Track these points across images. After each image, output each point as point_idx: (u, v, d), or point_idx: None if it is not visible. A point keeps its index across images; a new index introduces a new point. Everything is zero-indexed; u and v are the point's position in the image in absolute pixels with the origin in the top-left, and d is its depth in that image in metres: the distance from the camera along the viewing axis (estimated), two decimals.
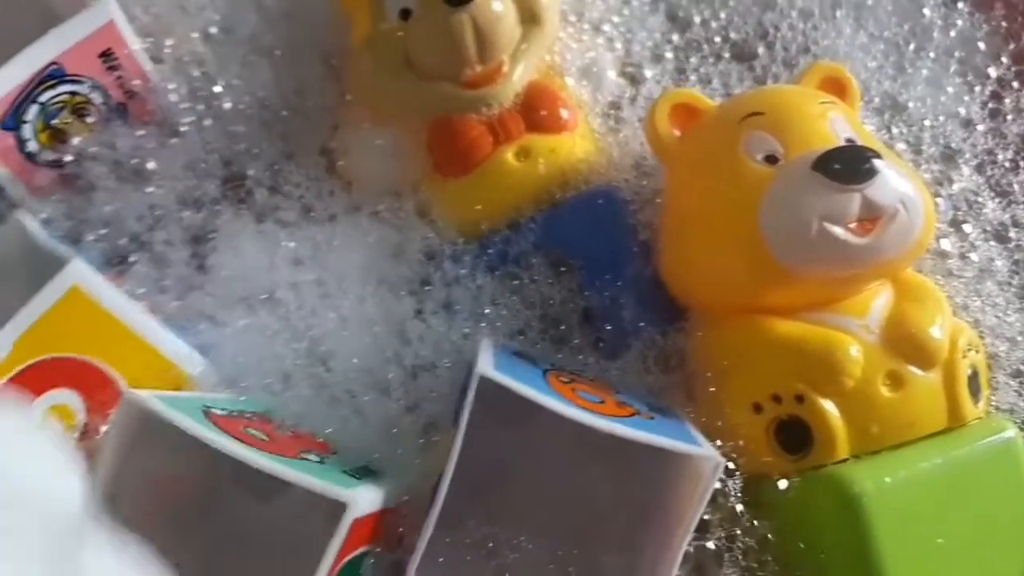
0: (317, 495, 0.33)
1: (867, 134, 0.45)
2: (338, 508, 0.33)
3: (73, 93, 0.46)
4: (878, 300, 0.42)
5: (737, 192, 0.42)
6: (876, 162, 0.40)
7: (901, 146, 0.51)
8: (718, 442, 0.40)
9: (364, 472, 0.39)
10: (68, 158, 0.46)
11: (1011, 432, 0.41)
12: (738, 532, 0.40)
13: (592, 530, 0.41)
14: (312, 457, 0.37)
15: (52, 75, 0.45)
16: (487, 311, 0.45)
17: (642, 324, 0.45)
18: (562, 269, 0.46)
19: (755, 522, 0.40)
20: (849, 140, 0.43)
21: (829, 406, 0.40)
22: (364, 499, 0.35)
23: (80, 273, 0.40)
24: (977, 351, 0.43)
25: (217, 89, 0.48)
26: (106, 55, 0.46)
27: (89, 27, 0.45)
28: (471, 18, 0.45)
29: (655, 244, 0.46)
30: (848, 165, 0.40)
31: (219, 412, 0.37)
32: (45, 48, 0.44)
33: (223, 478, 0.36)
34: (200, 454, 0.33)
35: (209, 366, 0.43)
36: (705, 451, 0.37)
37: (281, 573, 0.36)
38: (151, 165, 0.47)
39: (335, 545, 0.33)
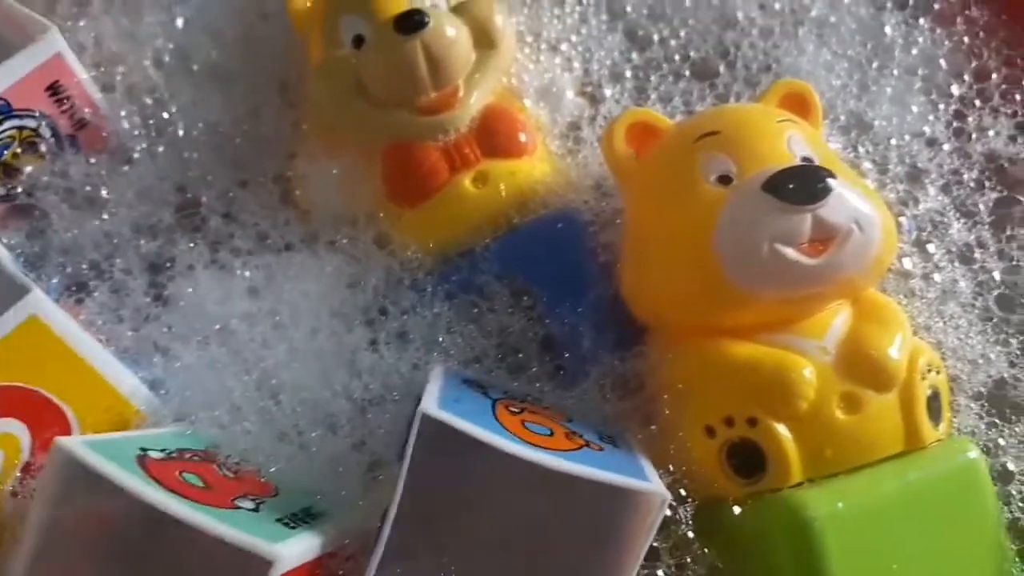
0: (244, 551, 0.33)
1: (828, 152, 0.44)
2: (264, 565, 0.33)
3: (20, 128, 0.46)
4: (836, 320, 0.41)
5: (692, 213, 0.41)
6: (830, 181, 0.39)
7: (867, 165, 0.50)
8: (670, 467, 0.40)
9: (304, 516, 0.38)
10: (19, 189, 0.46)
11: (973, 453, 0.40)
12: (688, 560, 0.40)
13: (542, 561, 0.40)
14: (247, 504, 0.37)
15: None
16: (442, 340, 0.44)
17: (601, 350, 0.45)
18: (523, 298, 0.45)
19: (706, 550, 0.40)
20: (806, 159, 0.42)
21: (782, 429, 0.39)
22: (294, 552, 0.34)
23: (39, 304, 0.40)
24: (938, 372, 0.42)
25: (169, 115, 0.48)
26: (53, 88, 0.46)
27: (35, 61, 0.44)
28: (423, 44, 0.45)
29: (615, 265, 0.46)
30: (800, 185, 0.39)
31: (156, 456, 0.37)
32: None
33: (164, 521, 0.35)
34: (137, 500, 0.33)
35: (161, 400, 0.43)
36: (653, 486, 0.36)
37: None
38: (104, 193, 0.46)
39: None
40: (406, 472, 0.35)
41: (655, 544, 0.39)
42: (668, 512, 0.39)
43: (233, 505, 0.36)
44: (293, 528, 0.36)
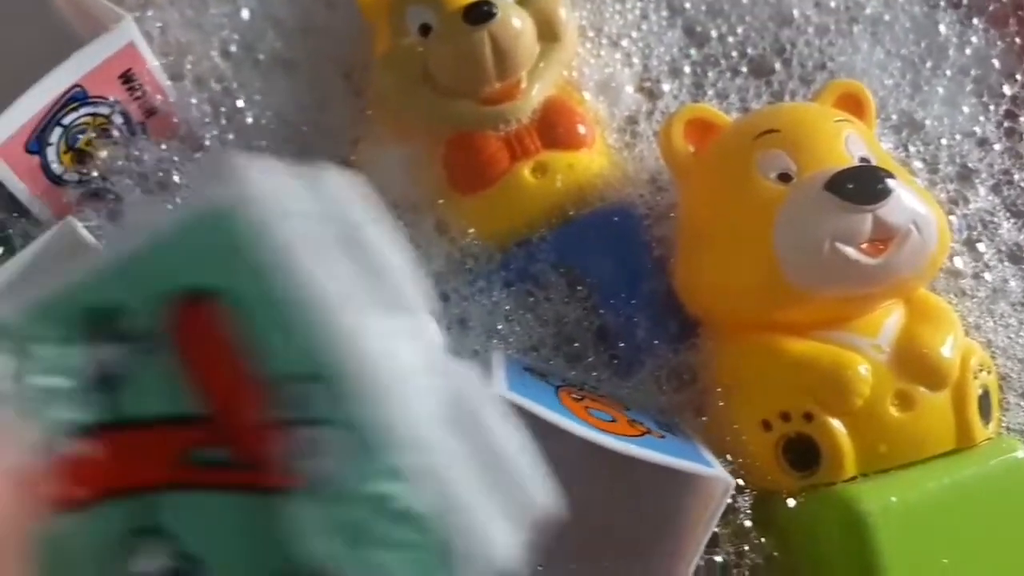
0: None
1: (883, 152, 0.45)
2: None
3: (95, 114, 0.47)
4: (890, 319, 0.42)
5: (750, 210, 0.42)
6: (889, 182, 0.40)
7: (918, 164, 0.51)
8: (728, 458, 0.41)
9: None
10: (94, 174, 0.47)
11: (1021, 453, 0.41)
12: (746, 548, 0.41)
13: (605, 546, 0.41)
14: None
15: (74, 98, 0.46)
16: (500, 327, 0.45)
17: (655, 342, 0.45)
18: (578, 288, 0.46)
19: (762, 540, 0.41)
20: (863, 159, 0.43)
21: (837, 425, 0.40)
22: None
23: None
24: (988, 372, 0.43)
25: (239, 104, 0.49)
26: (126, 76, 0.47)
27: (109, 49, 0.45)
28: (490, 35, 0.45)
29: (669, 259, 0.46)
30: (861, 185, 0.40)
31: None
32: (67, 72, 0.45)
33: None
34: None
35: None
36: (717, 472, 0.37)
37: None
38: (176, 178, 0.47)
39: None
40: None
41: (716, 530, 0.40)
42: (728, 500, 0.40)
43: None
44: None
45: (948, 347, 0.41)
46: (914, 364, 0.41)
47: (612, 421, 0.39)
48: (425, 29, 0.47)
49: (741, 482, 0.41)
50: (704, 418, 0.44)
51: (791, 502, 0.41)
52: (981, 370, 0.42)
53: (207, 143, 0.48)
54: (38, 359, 0.17)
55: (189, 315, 0.18)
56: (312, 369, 0.18)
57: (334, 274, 0.19)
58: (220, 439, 0.17)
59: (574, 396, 0.40)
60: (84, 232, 0.43)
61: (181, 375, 0.17)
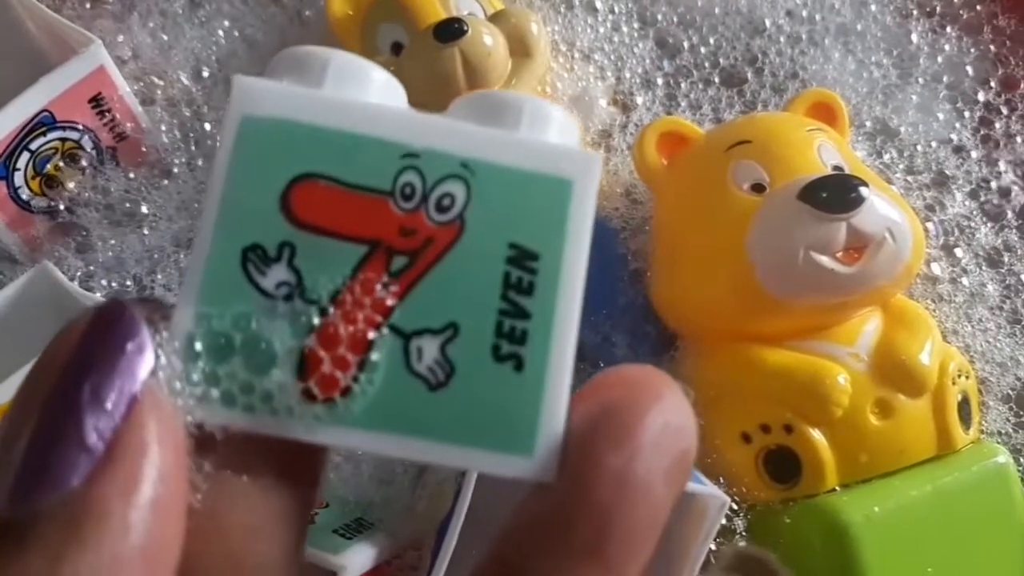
0: (311, 563, 0.33)
1: (857, 161, 0.45)
2: None
3: (63, 139, 0.46)
4: (868, 327, 0.42)
5: (724, 221, 0.42)
6: (862, 190, 0.40)
7: (894, 171, 0.51)
8: (721, 480, 0.41)
9: (358, 526, 0.38)
10: (61, 206, 0.47)
11: (1002, 458, 0.41)
12: None
13: None
14: None
15: (42, 122, 0.45)
16: None
17: (634, 357, 0.45)
18: None
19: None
20: (837, 168, 0.43)
21: (817, 435, 0.40)
22: (355, 562, 0.34)
23: None
24: (967, 377, 0.43)
25: (207, 128, 0.48)
26: (96, 100, 0.46)
27: (78, 74, 0.45)
28: (461, 52, 0.45)
29: (645, 272, 0.46)
30: (834, 194, 0.40)
31: None
32: (35, 96, 0.44)
33: None
34: None
35: None
36: (711, 490, 0.37)
37: None
38: (144, 208, 0.47)
39: None
40: (472, 481, 0.35)
41: (712, 548, 0.40)
42: (723, 520, 0.40)
43: None
44: (350, 539, 0.36)
45: (926, 354, 0.41)
46: (893, 372, 0.41)
47: None
48: (397, 47, 0.47)
49: (735, 504, 0.41)
50: None
51: (774, 514, 0.41)
52: (960, 376, 0.42)
53: (176, 170, 0.47)
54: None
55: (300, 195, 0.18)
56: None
57: None
58: (398, 251, 0.18)
59: None
60: (60, 275, 0.42)
61: (334, 242, 0.18)
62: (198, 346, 0.17)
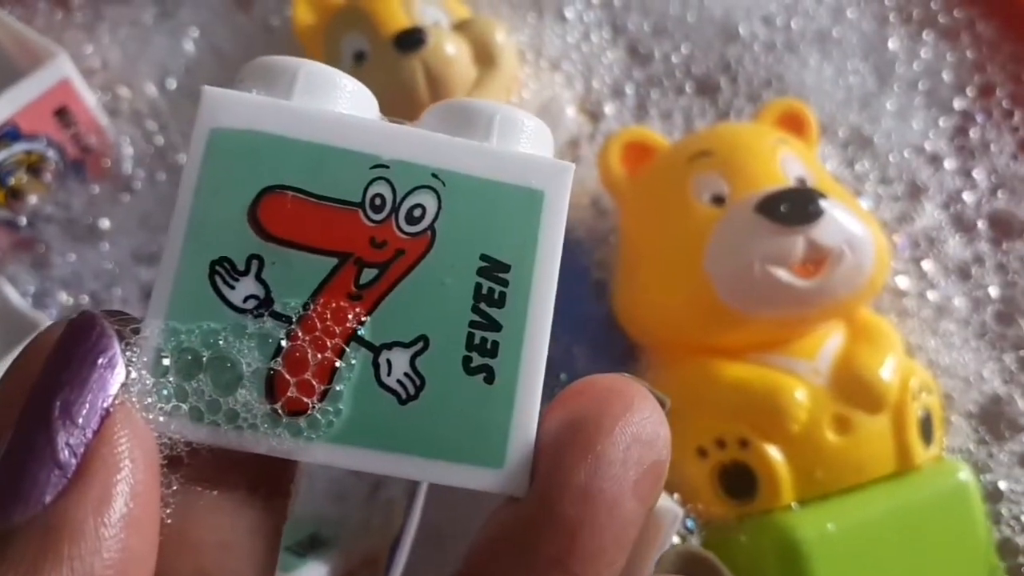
0: None
1: (823, 172, 0.44)
2: None
3: (29, 152, 0.46)
4: (830, 341, 0.42)
5: (685, 233, 0.42)
6: (821, 203, 0.39)
7: (865, 181, 0.50)
8: (675, 496, 0.40)
9: (311, 543, 0.38)
10: (23, 220, 0.47)
11: (964, 475, 0.41)
12: None
13: None
14: None
15: (7, 135, 0.45)
16: None
17: (597, 369, 0.45)
18: None
19: None
20: (800, 179, 0.42)
21: (773, 451, 0.39)
22: None
23: None
24: (930, 393, 0.42)
25: (171, 141, 0.48)
26: (61, 112, 0.46)
27: (43, 86, 0.45)
28: (423, 62, 0.45)
29: (609, 284, 0.46)
30: (792, 207, 0.39)
31: None
32: (0, 108, 0.44)
33: None
34: None
35: None
36: (664, 502, 0.37)
37: None
38: (105, 224, 0.47)
39: None
40: (422, 495, 0.35)
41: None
42: (677, 539, 0.39)
43: None
44: (303, 556, 0.36)
45: (887, 369, 0.41)
46: (851, 387, 0.40)
47: None
48: (360, 56, 0.47)
49: (690, 521, 0.40)
50: None
51: (732, 532, 0.40)
52: (922, 391, 0.41)
53: (138, 184, 0.47)
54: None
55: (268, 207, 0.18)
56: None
57: None
58: (368, 263, 0.18)
59: None
60: (10, 291, 0.43)
61: (303, 255, 0.18)
62: (166, 361, 0.17)
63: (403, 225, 0.18)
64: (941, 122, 0.52)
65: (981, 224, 0.49)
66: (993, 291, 0.47)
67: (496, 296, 0.18)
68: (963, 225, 0.49)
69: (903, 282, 0.47)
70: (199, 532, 0.17)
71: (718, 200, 0.42)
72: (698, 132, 0.48)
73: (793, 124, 0.46)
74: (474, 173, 0.18)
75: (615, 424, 0.17)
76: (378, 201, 0.18)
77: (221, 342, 0.17)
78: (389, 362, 0.18)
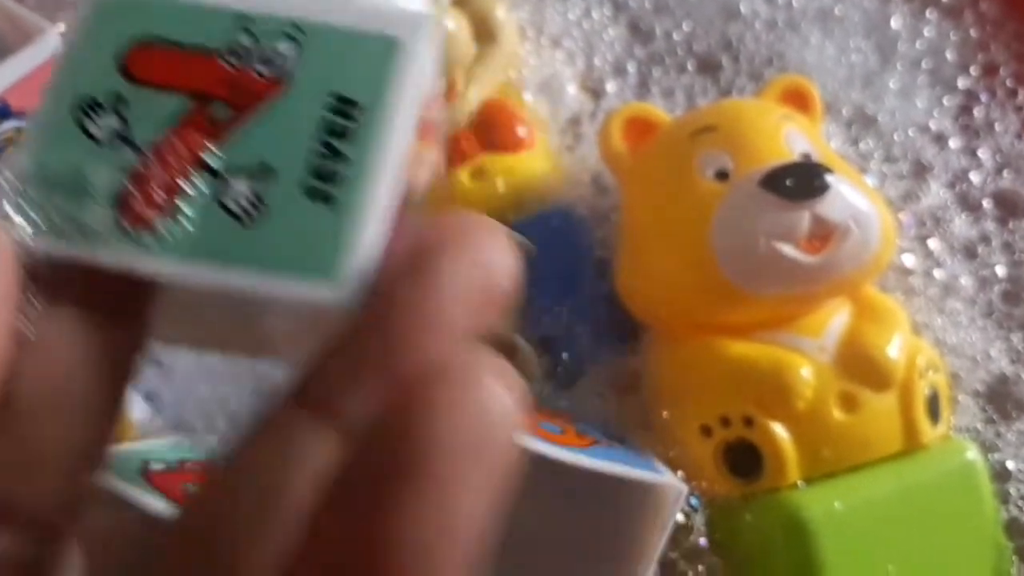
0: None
1: (827, 148, 0.44)
2: None
3: (19, 129, 0.45)
4: (836, 319, 0.41)
5: (688, 209, 0.41)
6: (827, 177, 0.39)
7: (870, 159, 0.50)
8: (680, 474, 0.40)
9: None
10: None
11: (971, 454, 0.40)
12: (701, 569, 0.40)
13: (551, 564, 0.40)
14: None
15: None
16: None
17: (599, 349, 0.44)
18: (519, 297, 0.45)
19: (716, 559, 0.40)
20: (805, 155, 0.42)
21: (779, 429, 0.39)
22: None
23: None
24: (937, 371, 0.41)
25: None
26: None
27: (34, 62, 0.44)
28: None
29: (612, 262, 0.45)
30: (797, 181, 0.39)
31: (158, 467, 0.36)
32: None
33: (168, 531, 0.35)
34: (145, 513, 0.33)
35: (156, 411, 0.42)
36: (668, 479, 0.36)
37: None
38: None
39: None
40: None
41: (671, 554, 0.39)
42: (682, 518, 0.39)
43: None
44: None
45: (893, 347, 0.40)
46: (857, 365, 0.40)
47: (561, 433, 0.38)
48: None
49: (694, 501, 0.40)
50: (647, 429, 0.43)
51: (737, 511, 0.40)
52: (928, 370, 0.41)
53: None
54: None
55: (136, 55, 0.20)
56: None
57: None
58: (223, 102, 0.20)
59: None
60: None
61: (163, 95, 0.20)
62: (29, 180, 0.19)
63: (260, 69, 0.20)
64: (945, 101, 0.51)
65: (987, 203, 0.48)
66: (1000, 270, 0.46)
67: (343, 131, 0.19)
68: (969, 204, 0.48)
69: (909, 260, 0.46)
70: (56, 350, 0.18)
71: (722, 176, 0.41)
72: (701, 108, 0.48)
73: (797, 100, 0.45)
74: (333, 23, 0.20)
75: (456, 249, 0.18)
76: (240, 50, 0.20)
77: (78, 163, 0.19)
78: (233, 187, 0.19)
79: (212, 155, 0.19)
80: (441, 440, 0.16)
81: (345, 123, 0.19)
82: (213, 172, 0.19)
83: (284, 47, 0.20)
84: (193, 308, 0.20)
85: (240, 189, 0.19)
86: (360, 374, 0.17)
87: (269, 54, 0.20)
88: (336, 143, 0.19)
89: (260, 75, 0.19)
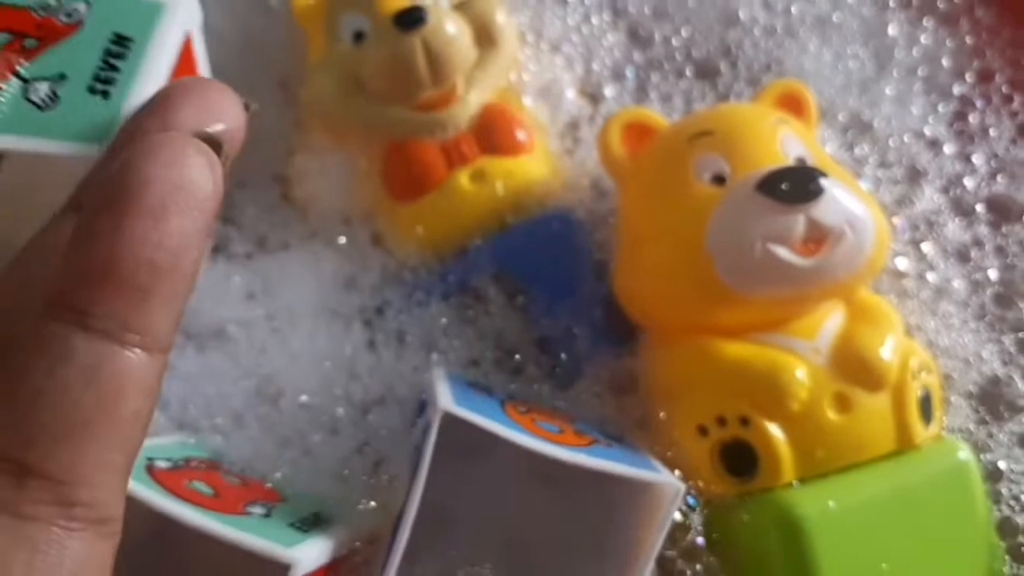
0: (261, 556, 0.33)
1: (822, 153, 0.44)
2: (280, 570, 0.33)
3: None
4: (830, 321, 0.41)
5: (685, 213, 0.42)
6: (822, 181, 0.39)
7: (865, 164, 0.50)
8: (676, 472, 0.40)
9: (314, 520, 0.38)
10: None
11: (963, 454, 0.41)
12: (699, 568, 0.40)
13: (550, 563, 0.40)
14: (258, 510, 0.36)
15: None
16: (439, 342, 0.45)
17: (597, 350, 0.45)
18: (518, 298, 0.46)
19: (714, 558, 0.40)
20: (800, 159, 0.42)
21: (774, 429, 0.39)
22: (309, 556, 0.34)
23: None
24: (930, 372, 0.42)
25: None
26: None
27: None
28: (423, 41, 0.45)
29: (610, 265, 0.46)
30: (792, 185, 0.39)
31: (163, 465, 0.37)
32: None
33: (178, 530, 0.35)
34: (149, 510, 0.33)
35: (160, 410, 0.42)
36: (666, 477, 0.37)
37: None
38: None
39: None
40: (425, 473, 0.34)
41: (669, 553, 0.40)
42: (679, 517, 0.39)
43: (245, 511, 0.36)
44: (305, 532, 0.36)
45: (887, 348, 0.41)
46: (851, 366, 0.40)
47: (560, 432, 0.38)
48: (359, 36, 0.47)
49: (692, 500, 0.40)
50: (644, 430, 0.43)
51: (733, 510, 0.40)
52: (921, 371, 0.41)
53: None
54: None
55: None
56: None
57: None
58: (32, 37, 0.30)
59: (520, 409, 0.40)
60: None
61: None
62: None
63: (61, 18, 0.30)
64: (940, 107, 0.52)
65: (980, 208, 0.49)
66: (992, 274, 0.47)
67: (120, 54, 0.29)
68: (962, 209, 0.49)
69: (902, 263, 0.47)
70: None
71: (719, 180, 0.42)
72: (697, 112, 0.48)
73: (792, 104, 0.46)
74: None
75: (186, 90, 0.27)
76: (47, 6, 0.30)
77: None
78: (36, 87, 0.28)
79: (23, 67, 0.29)
80: (151, 179, 0.23)
81: (121, 49, 0.29)
82: (22, 78, 0.28)
83: (80, 6, 0.30)
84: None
85: (41, 88, 0.28)
86: (106, 159, 0.27)
87: (69, 9, 0.30)
88: (114, 61, 0.29)
89: (61, 22, 0.29)
